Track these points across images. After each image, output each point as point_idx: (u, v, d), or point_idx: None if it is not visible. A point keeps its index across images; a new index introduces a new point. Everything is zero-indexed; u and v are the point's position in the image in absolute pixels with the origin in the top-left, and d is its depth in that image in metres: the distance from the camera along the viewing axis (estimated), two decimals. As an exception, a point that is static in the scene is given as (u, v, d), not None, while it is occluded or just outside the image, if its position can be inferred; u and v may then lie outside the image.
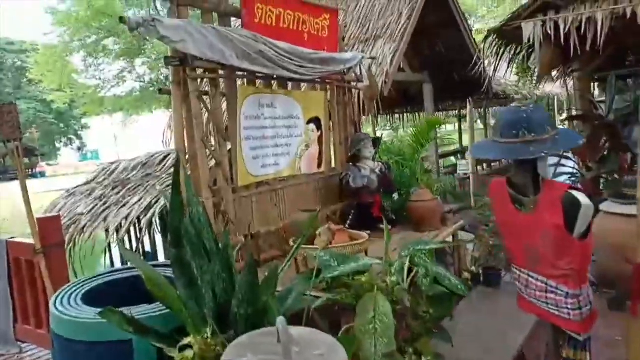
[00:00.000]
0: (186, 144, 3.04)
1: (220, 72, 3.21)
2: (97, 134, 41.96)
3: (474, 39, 8.43)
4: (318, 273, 2.35)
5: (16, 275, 3.33)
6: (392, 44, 6.28)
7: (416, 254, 2.32)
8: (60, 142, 42.47)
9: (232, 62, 3.07)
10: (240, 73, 3.35)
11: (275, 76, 3.58)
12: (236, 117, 3.31)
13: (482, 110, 14.10)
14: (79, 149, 44.92)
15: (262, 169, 3.60)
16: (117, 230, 4.24)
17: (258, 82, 3.58)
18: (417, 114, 11.23)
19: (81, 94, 22.36)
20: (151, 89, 21.48)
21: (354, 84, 4.43)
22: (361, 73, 4.37)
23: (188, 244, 1.88)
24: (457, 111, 14.16)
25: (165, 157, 4.90)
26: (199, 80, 3.08)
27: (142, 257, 4.79)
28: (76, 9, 18.87)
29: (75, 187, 5.07)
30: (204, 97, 3.15)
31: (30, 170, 39.92)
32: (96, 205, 4.45)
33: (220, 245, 2.07)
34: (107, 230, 4.21)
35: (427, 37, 8.19)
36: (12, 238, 3.30)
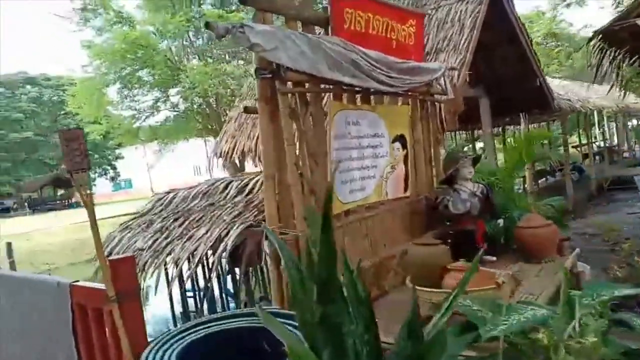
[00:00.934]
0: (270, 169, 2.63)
1: (306, 85, 2.81)
2: (130, 163, 42.66)
3: (535, 51, 7.92)
4: (467, 327, 1.87)
5: (81, 325, 2.91)
6: (458, 56, 5.83)
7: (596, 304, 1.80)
8: (95, 172, 43.30)
9: (324, 73, 2.68)
10: (324, 86, 2.95)
11: (357, 89, 3.16)
12: (324, 137, 2.89)
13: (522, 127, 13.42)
14: (112, 178, 45.71)
15: (350, 195, 3.16)
16: (182, 266, 3.85)
17: (343, 96, 3.17)
18: (471, 131, 10.70)
19: (116, 125, 22.64)
20: (182, 118, 21.64)
21: (437, 97, 3.98)
22: (445, 85, 3.92)
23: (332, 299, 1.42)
24: (500, 128, 13.51)
25: (227, 185, 4.52)
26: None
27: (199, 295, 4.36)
28: (112, 42, 19.23)
29: (130, 220, 4.73)
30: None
31: (66, 202, 40.74)
32: (157, 239, 4.07)
33: (362, 295, 1.61)
34: (165, 268, 3.83)
35: (483, 50, 7.72)
36: (75, 282, 2.89)
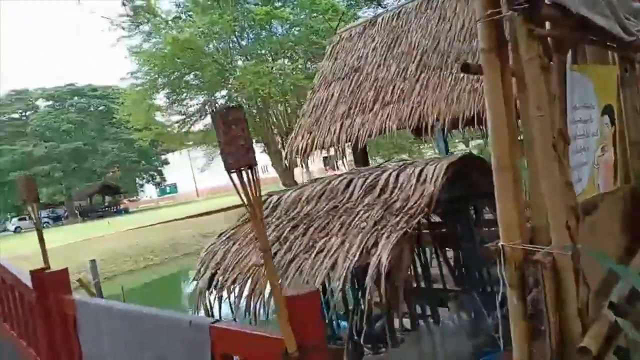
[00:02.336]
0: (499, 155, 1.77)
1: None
2: (175, 169, 43.06)
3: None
4: None
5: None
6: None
7: None
8: (142, 178, 43.82)
9: (580, 9, 1.79)
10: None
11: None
12: (560, 104, 2.01)
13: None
14: (158, 184, 46.23)
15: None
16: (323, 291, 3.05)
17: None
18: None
19: (164, 132, 22.44)
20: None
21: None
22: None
23: None
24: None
25: (348, 183, 3.69)
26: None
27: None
28: (161, 46, 18.95)
29: (232, 228, 3.98)
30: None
31: (114, 208, 41.41)
32: (276, 252, 3.29)
33: None
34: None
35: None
36: (215, 322, 2.10)
